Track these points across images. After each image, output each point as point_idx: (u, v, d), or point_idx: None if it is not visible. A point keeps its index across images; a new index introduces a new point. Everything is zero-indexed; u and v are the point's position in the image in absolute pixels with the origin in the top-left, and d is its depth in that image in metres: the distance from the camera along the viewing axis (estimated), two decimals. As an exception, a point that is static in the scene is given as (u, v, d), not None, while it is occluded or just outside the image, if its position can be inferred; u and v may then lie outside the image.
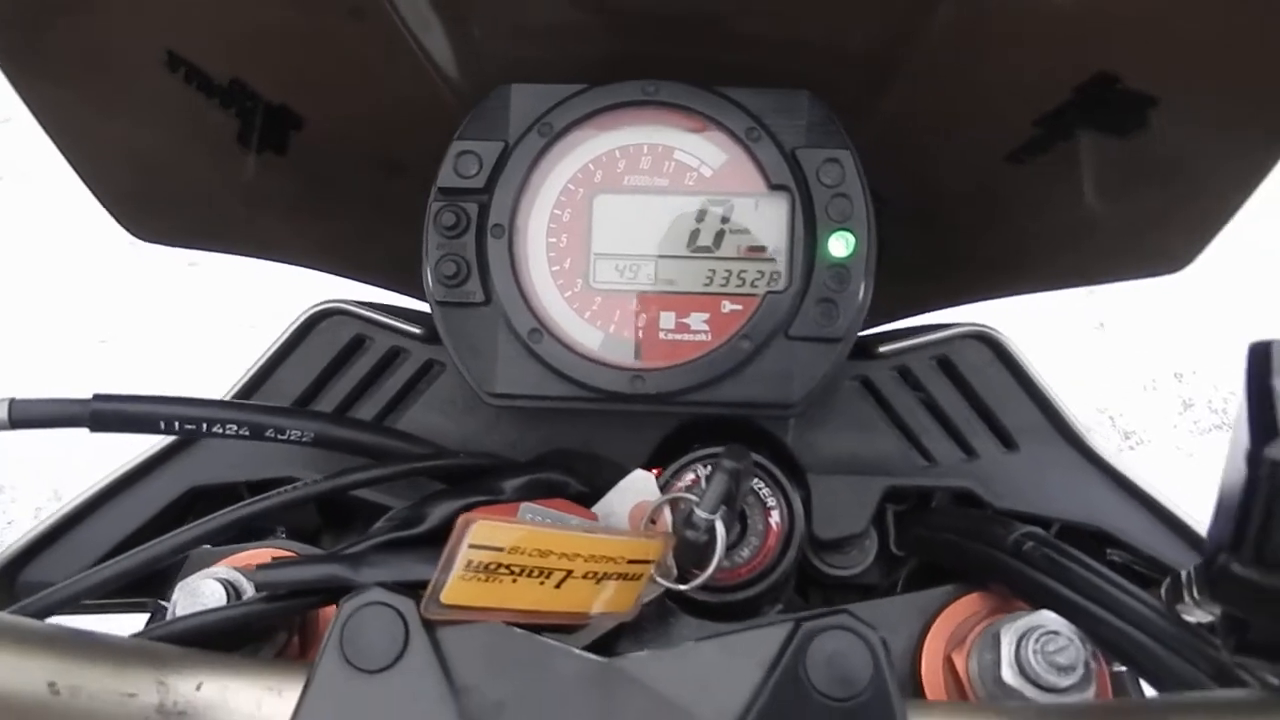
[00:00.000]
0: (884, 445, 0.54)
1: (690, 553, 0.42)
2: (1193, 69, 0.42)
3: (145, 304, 2.25)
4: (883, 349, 0.55)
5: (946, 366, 0.55)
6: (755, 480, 0.48)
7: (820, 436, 0.54)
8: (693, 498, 0.43)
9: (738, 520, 0.48)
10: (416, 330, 0.57)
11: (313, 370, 0.56)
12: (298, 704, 0.37)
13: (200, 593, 0.44)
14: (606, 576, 0.41)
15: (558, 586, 0.39)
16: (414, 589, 0.39)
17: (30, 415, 0.38)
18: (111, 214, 0.48)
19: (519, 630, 0.38)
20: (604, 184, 0.49)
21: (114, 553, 0.50)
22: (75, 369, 2.12)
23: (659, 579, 0.43)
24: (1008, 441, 0.54)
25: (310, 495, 0.42)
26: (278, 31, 0.44)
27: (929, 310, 0.64)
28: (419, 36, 0.45)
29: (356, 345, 0.57)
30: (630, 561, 0.41)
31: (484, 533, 0.36)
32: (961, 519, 0.52)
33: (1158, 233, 0.47)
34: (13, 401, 0.38)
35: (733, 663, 0.38)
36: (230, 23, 0.44)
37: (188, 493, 0.55)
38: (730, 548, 0.48)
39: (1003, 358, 0.54)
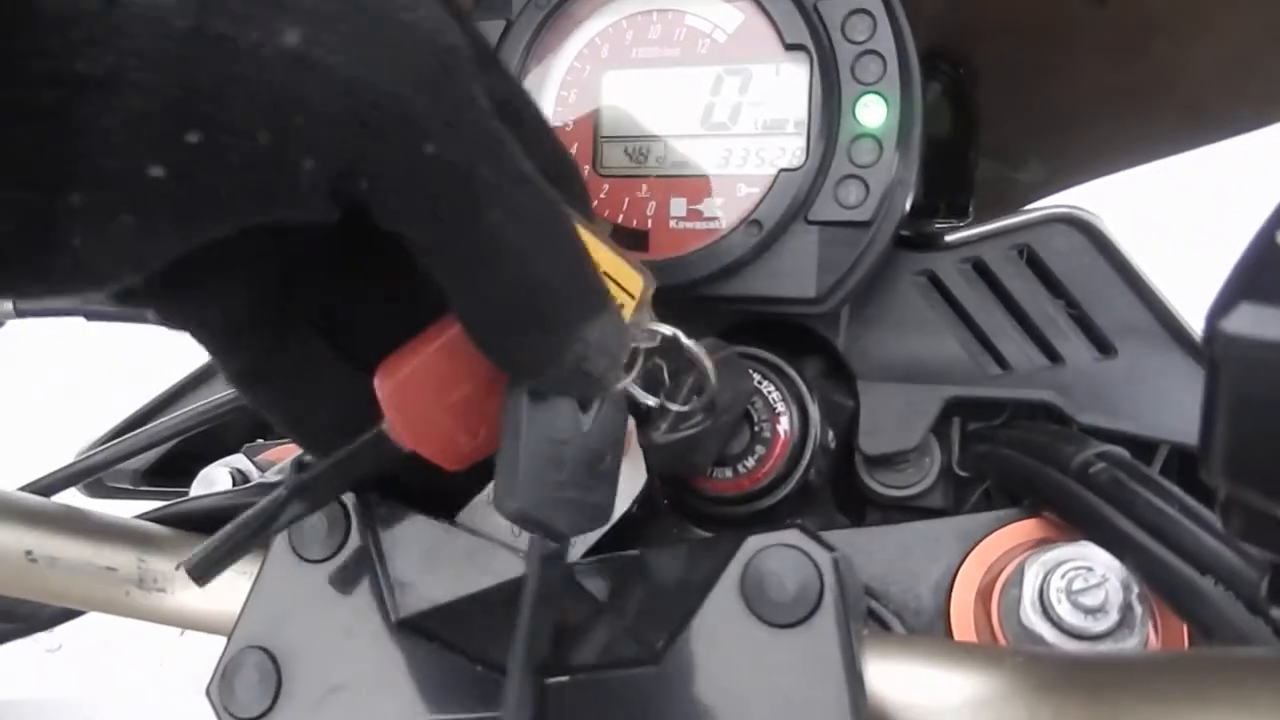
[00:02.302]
0: (949, 349, 0.47)
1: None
2: None
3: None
4: (951, 238, 0.47)
5: (1030, 258, 0.46)
6: (764, 383, 0.43)
7: (875, 339, 0.48)
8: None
9: (747, 425, 0.43)
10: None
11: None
12: (250, 589, 0.37)
13: (212, 481, 0.46)
14: None
15: None
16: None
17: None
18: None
19: (461, 529, 0.37)
20: (611, 59, 0.45)
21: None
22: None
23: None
24: (1102, 344, 0.45)
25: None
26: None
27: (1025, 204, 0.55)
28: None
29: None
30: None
31: None
32: (1028, 434, 0.44)
33: (1260, 70, 0.36)
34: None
35: (682, 575, 0.34)
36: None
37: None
38: (735, 457, 0.43)
39: (1099, 245, 0.45)
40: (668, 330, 0.38)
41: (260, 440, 0.54)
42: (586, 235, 0.29)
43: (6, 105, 0.19)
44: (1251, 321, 0.18)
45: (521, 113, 0.30)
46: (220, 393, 0.55)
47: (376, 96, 0.22)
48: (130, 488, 0.55)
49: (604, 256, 0.33)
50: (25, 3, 0.18)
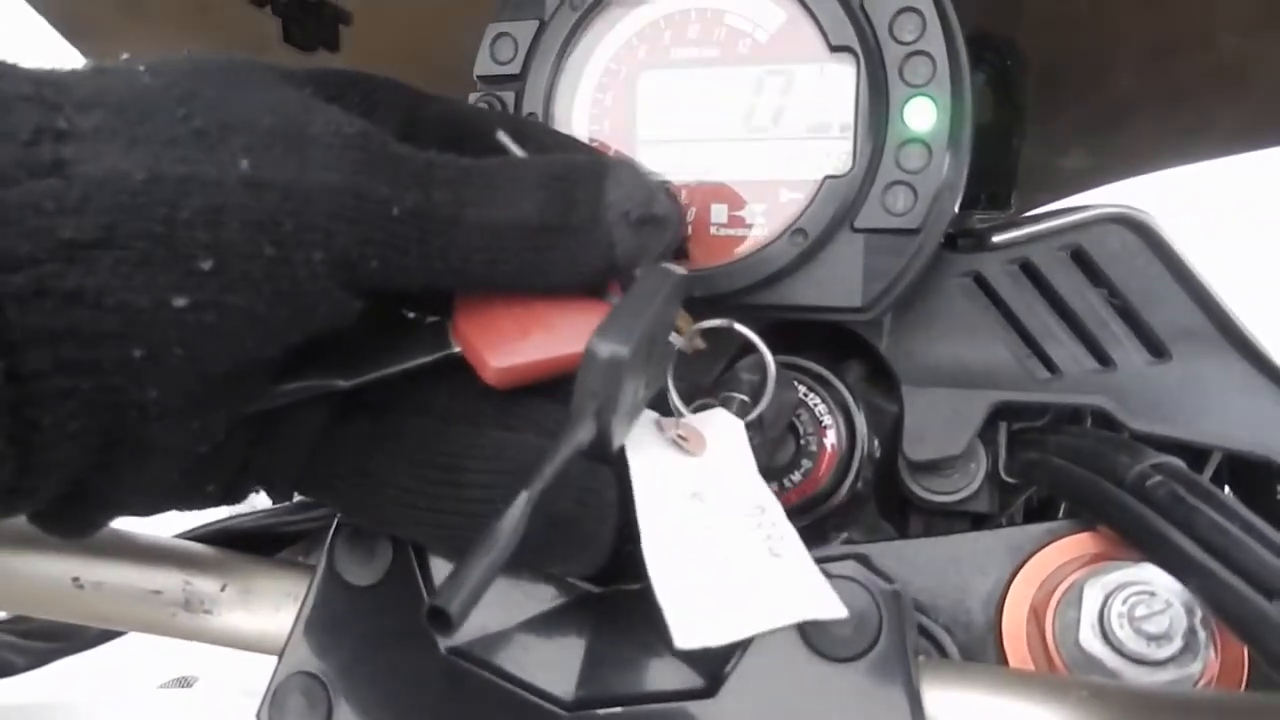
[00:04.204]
0: (996, 353, 0.46)
1: None
2: None
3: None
4: (998, 239, 0.46)
5: (1080, 258, 0.45)
6: (809, 395, 0.43)
7: (919, 343, 0.47)
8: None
9: (791, 438, 0.43)
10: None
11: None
12: (296, 614, 0.37)
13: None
14: None
15: None
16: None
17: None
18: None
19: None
20: (649, 60, 0.44)
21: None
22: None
23: None
24: (1156, 348, 0.44)
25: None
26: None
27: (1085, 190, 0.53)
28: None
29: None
30: None
31: None
32: (1081, 440, 0.43)
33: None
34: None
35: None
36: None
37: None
38: (781, 471, 0.43)
39: (1153, 245, 0.44)
40: (721, 322, 0.37)
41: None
42: None
43: (28, 288, 0.21)
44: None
45: (422, 108, 0.33)
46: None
47: (331, 194, 0.25)
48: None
49: None
50: None
